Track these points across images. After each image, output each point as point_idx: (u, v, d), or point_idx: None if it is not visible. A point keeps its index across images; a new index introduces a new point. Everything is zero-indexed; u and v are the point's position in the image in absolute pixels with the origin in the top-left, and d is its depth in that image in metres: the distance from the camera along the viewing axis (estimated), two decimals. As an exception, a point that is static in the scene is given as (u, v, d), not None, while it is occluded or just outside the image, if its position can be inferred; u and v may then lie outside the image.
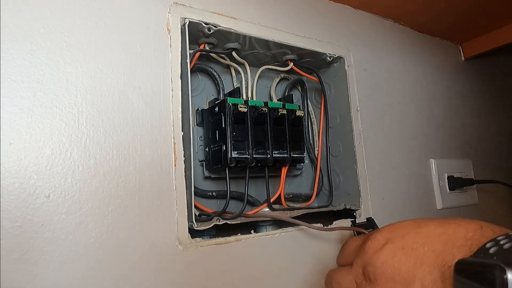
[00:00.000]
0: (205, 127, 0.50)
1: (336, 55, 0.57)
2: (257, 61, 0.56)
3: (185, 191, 0.39)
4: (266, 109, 0.48)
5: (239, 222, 0.44)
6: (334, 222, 0.51)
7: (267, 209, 0.52)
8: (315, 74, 0.57)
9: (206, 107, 0.52)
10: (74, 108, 0.35)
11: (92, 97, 0.36)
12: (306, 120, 0.60)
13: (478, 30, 0.79)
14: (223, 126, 0.45)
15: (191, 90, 0.42)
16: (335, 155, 0.58)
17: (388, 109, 0.64)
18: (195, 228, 0.39)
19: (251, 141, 0.46)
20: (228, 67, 0.54)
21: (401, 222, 0.29)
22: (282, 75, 0.60)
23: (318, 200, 0.60)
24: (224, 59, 0.52)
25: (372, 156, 0.58)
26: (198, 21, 0.44)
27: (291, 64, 0.55)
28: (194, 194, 0.41)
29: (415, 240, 0.26)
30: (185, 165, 0.40)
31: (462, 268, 0.22)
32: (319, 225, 0.48)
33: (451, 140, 0.74)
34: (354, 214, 0.55)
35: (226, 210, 0.45)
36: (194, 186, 0.43)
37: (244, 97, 0.51)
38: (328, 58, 0.56)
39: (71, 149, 0.34)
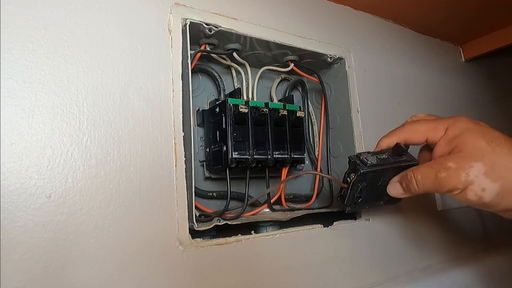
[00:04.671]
0: (205, 127, 0.50)
1: (337, 56, 0.57)
2: (257, 61, 0.56)
3: (186, 192, 0.39)
4: (267, 110, 0.48)
5: (240, 222, 0.44)
6: (334, 223, 0.51)
7: (268, 210, 0.52)
8: (315, 75, 0.57)
9: (206, 107, 0.52)
10: (75, 109, 0.35)
11: (93, 98, 0.36)
12: (306, 121, 0.60)
13: (478, 31, 0.79)
14: (224, 126, 0.45)
15: (192, 90, 0.43)
16: (335, 156, 0.58)
17: (389, 110, 0.64)
18: (196, 229, 0.39)
19: (252, 142, 0.46)
20: (228, 67, 0.54)
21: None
22: (283, 76, 0.60)
23: (318, 201, 0.60)
24: (225, 59, 0.52)
25: (373, 157, 0.58)
26: (199, 22, 0.44)
27: (292, 65, 0.55)
28: (195, 195, 0.41)
29: None
30: (185, 166, 0.40)
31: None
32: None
33: (451, 141, 0.74)
34: (354, 214, 0.55)
35: (227, 210, 0.45)
36: (195, 186, 0.43)
37: (245, 97, 0.52)
38: (329, 59, 0.56)
39: (72, 150, 0.34)
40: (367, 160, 0.40)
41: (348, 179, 0.41)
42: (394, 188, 0.41)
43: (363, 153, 0.42)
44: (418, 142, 0.41)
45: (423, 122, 0.41)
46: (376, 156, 0.41)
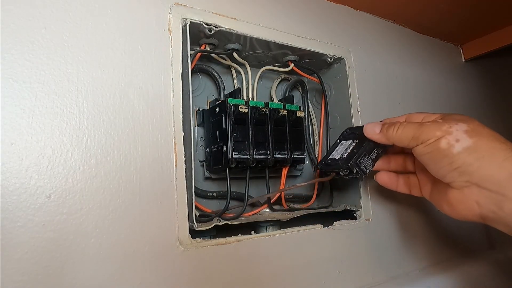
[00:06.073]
0: (205, 127, 0.50)
1: (337, 56, 0.57)
2: (257, 61, 0.56)
3: (186, 192, 0.39)
4: (267, 110, 0.48)
5: (240, 222, 0.44)
6: (334, 223, 0.51)
7: (268, 210, 0.52)
8: (315, 75, 0.57)
9: (206, 107, 0.52)
10: (75, 109, 0.35)
11: (93, 97, 0.36)
12: (306, 121, 0.60)
13: (478, 31, 0.79)
14: (224, 126, 0.45)
15: (192, 90, 0.43)
16: (335, 156, 0.58)
17: (389, 110, 0.64)
18: (196, 229, 0.39)
19: (252, 142, 0.46)
20: (228, 67, 0.54)
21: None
22: (283, 76, 0.60)
23: (318, 201, 0.60)
24: (225, 59, 0.52)
25: (373, 157, 0.58)
26: (199, 22, 0.44)
27: (292, 65, 0.55)
28: (195, 195, 0.41)
29: None
30: (185, 166, 0.40)
31: None
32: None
33: (451, 141, 0.74)
34: (354, 214, 0.55)
35: (227, 209, 0.45)
36: (195, 186, 0.43)
37: (245, 97, 0.52)
38: (329, 59, 0.56)
39: (72, 150, 0.34)
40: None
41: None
42: (372, 126, 0.44)
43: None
44: (417, 118, 0.44)
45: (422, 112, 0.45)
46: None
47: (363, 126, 0.48)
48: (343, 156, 0.46)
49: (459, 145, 0.36)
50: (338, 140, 0.50)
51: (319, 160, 0.58)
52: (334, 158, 0.47)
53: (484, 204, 0.36)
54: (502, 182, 0.34)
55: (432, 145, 0.38)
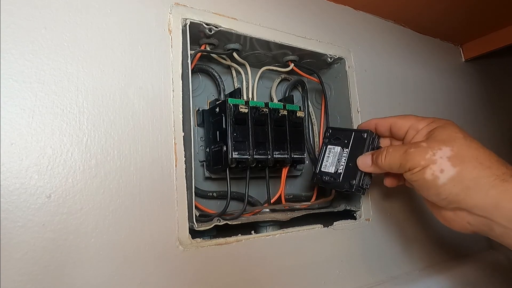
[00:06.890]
0: (205, 127, 0.50)
1: (337, 56, 0.57)
2: (257, 61, 0.56)
3: (186, 192, 0.39)
4: (267, 110, 0.48)
5: (240, 222, 0.44)
6: (334, 223, 0.51)
7: (268, 210, 0.52)
8: (315, 75, 0.57)
9: (206, 107, 0.52)
10: (75, 109, 0.35)
11: (93, 97, 0.36)
12: (306, 121, 0.60)
13: (478, 31, 0.79)
14: (224, 126, 0.45)
15: (192, 90, 0.43)
16: (335, 156, 0.58)
17: (389, 110, 0.64)
18: (196, 229, 0.39)
19: (252, 142, 0.46)
20: (228, 67, 0.54)
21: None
22: (283, 76, 0.60)
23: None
24: (225, 59, 0.52)
25: (373, 157, 0.58)
26: (199, 22, 0.44)
27: (292, 65, 0.55)
28: (195, 195, 0.41)
29: None
30: (185, 166, 0.40)
31: None
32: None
33: (451, 141, 0.74)
34: (354, 214, 0.55)
35: (227, 210, 0.45)
36: (195, 186, 0.43)
37: (245, 97, 0.52)
38: (329, 59, 0.56)
39: (72, 150, 0.34)
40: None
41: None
42: (364, 160, 0.44)
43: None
44: (402, 127, 0.44)
45: (412, 115, 0.45)
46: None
47: (346, 129, 0.49)
48: (338, 170, 0.47)
49: (443, 176, 0.36)
50: (324, 146, 0.50)
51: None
52: (329, 172, 0.48)
53: (475, 224, 0.37)
54: (489, 210, 0.35)
55: (417, 175, 0.38)
